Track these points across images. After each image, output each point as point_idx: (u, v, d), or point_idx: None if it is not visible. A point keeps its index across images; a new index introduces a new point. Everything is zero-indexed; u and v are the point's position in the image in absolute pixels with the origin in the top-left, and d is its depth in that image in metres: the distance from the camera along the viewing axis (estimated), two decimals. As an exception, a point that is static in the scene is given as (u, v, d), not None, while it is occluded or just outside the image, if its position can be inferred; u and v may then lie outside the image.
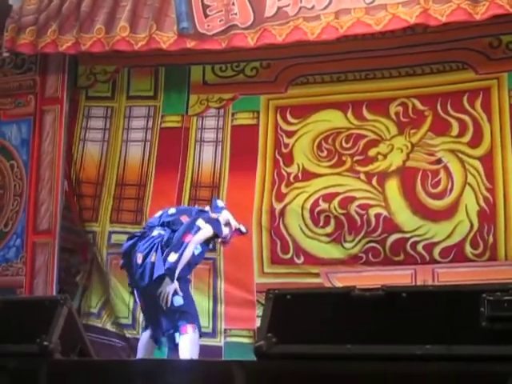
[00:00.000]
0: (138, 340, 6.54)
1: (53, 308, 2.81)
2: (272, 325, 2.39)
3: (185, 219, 5.38)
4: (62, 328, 2.76)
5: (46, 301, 3.06)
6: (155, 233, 5.31)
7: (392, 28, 5.76)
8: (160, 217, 5.46)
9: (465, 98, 6.27)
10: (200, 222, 5.32)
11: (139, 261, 5.19)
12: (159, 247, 5.19)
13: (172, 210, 5.53)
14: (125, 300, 6.79)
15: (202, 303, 6.57)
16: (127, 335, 6.79)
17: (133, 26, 6.34)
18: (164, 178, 6.82)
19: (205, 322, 6.53)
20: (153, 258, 5.16)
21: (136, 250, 5.25)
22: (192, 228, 5.27)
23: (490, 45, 6.24)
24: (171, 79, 7.01)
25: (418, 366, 2.21)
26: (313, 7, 5.90)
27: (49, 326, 2.74)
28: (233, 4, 6.08)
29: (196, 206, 5.88)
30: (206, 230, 5.33)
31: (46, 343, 2.69)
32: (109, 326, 6.90)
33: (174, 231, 5.29)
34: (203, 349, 6.28)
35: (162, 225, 5.37)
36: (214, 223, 5.39)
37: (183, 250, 5.15)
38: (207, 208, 5.60)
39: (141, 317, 6.61)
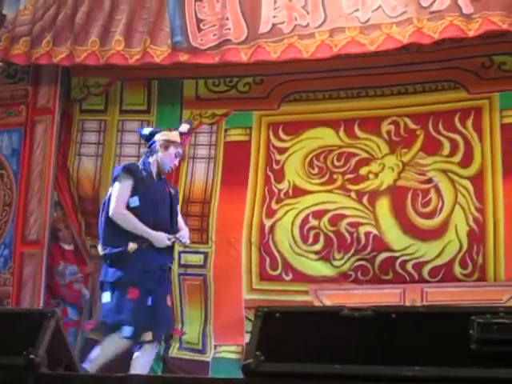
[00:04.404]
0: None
1: (40, 321, 2.79)
2: (261, 343, 2.38)
3: None
4: (49, 342, 2.74)
5: (33, 313, 3.03)
6: None
7: (386, 48, 5.77)
8: None
9: (456, 118, 6.30)
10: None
11: None
12: None
13: None
14: None
15: (195, 320, 6.58)
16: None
17: (127, 40, 6.34)
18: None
19: (195, 338, 6.54)
20: None
21: None
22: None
23: (483, 65, 6.27)
24: (164, 93, 7.01)
25: (406, 388, 2.21)
26: (307, 25, 5.92)
27: (36, 339, 2.72)
28: (227, 19, 6.09)
29: None
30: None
31: (32, 356, 2.66)
32: None
33: None
34: (191, 364, 6.32)
35: None
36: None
37: None
38: None
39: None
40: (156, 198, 5.05)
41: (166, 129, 5.45)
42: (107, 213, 4.94)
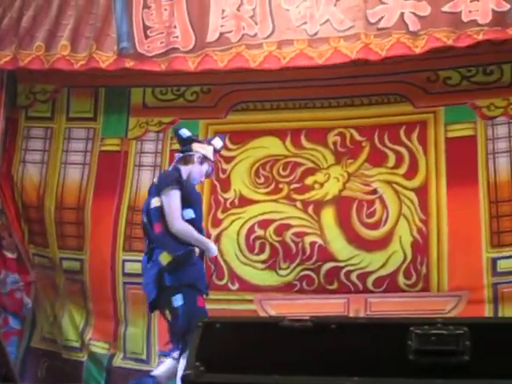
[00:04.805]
0: (82, 363, 6.55)
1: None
2: (200, 353, 2.37)
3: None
4: (-15, 352, 2.70)
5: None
6: None
7: (333, 62, 5.80)
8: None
9: (402, 131, 6.38)
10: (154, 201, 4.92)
11: None
12: None
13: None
14: (76, 324, 6.72)
15: (138, 329, 6.53)
16: (73, 358, 6.70)
17: (73, 45, 6.26)
18: (102, 202, 6.74)
19: (139, 348, 6.50)
20: None
21: None
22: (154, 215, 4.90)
23: (428, 79, 6.37)
24: (111, 101, 6.94)
25: (345, 398, 2.21)
26: (255, 35, 5.93)
27: (-28, 350, 2.67)
28: (174, 27, 6.05)
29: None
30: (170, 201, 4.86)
31: (-32, 367, 2.62)
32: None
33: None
34: (135, 373, 6.27)
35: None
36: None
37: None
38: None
39: (86, 339, 6.57)
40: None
41: (204, 140, 5.33)
42: (166, 225, 4.84)
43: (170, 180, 4.94)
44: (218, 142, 5.23)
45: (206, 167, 5.11)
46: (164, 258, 4.81)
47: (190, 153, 5.06)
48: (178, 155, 5.17)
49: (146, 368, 6.42)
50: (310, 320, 2.31)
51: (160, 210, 4.87)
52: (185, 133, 5.20)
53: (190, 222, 4.87)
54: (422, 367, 2.20)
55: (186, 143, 5.13)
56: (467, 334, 2.22)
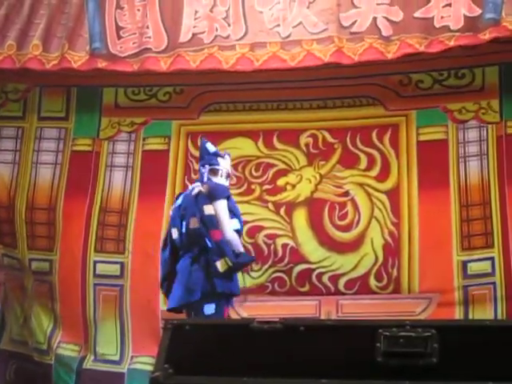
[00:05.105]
0: (51, 366, 6.49)
1: None
2: (169, 355, 2.36)
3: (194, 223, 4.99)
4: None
5: None
6: None
7: (306, 65, 5.81)
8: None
9: (374, 133, 6.40)
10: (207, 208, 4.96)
11: None
12: None
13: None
14: (43, 326, 6.67)
15: (110, 330, 6.49)
16: (43, 361, 6.64)
17: (45, 45, 6.21)
18: (73, 203, 6.69)
19: (112, 349, 6.46)
20: None
21: None
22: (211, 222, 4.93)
23: (400, 82, 6.41)
24: (83, 101, 6.90)
25: (313, 400, 2.21)
26: (228, 36, 5.93)
27: None
28: (147, 27, 6.04)
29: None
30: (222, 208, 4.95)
31: None
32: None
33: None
34: (106, 375, 6.24)
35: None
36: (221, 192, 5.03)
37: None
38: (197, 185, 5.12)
39: (55, 343, 6.51)
40: None
41: (224, 156, 5.28)
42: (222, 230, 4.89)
43: (222, 191, 5.05)
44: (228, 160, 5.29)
45: (228, 183, 5.22)
46: (222, 265, 4.84)
47: (218, 167, 5.14)
48: (205, 167, 5.18)
49: (118, 369, 6.40)
50: (279, 322, 2.31)
51: (215, 217, 4.92)
52: (211, 147, 5.27)
53: (235, 232, 4.99)
54: (390, 369, 2.20)
55: (211, 156, 5.20)
56: (435, 337, 2.23)
